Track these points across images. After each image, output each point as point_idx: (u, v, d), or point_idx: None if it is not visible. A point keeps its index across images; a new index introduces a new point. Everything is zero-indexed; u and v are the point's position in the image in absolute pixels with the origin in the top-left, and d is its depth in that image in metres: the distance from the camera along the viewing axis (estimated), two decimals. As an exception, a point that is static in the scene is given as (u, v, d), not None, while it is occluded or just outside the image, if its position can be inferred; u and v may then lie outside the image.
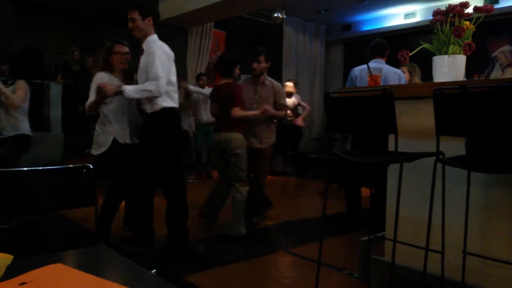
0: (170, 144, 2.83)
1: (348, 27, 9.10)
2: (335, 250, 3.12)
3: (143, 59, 2.88)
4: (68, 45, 6.85)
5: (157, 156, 2.83)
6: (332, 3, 7.77)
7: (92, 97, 2.87)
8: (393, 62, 3.49)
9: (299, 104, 6.64)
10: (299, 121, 6.52)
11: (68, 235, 3.54)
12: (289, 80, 6.82)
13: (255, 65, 3.50)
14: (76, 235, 3.44)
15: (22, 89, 3.71)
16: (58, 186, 1.39)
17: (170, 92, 2.81)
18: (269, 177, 7.20)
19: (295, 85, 6.65)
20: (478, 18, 2.07)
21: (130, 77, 3.12)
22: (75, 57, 6.60)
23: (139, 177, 2.99)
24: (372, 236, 2.39)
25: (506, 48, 6.83)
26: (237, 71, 3.50)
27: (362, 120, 1.98)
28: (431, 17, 2.15)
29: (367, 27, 8.66)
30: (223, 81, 3.47)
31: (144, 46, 2.92)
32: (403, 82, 3.56)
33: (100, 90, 2.71)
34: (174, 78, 2.87)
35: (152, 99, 2.77)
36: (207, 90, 5.68)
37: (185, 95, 5.77)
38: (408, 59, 2.27)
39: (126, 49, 3.10)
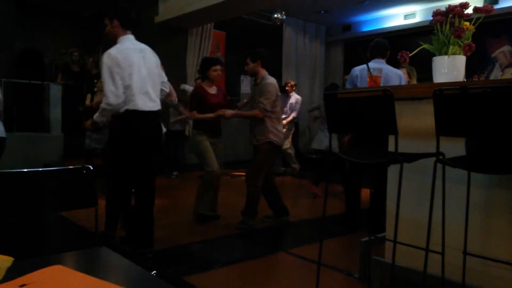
0: (124, 145, 2.85)
1: (348, 27, 9.11)
2: (335, 251, 3.12)
3: None
4: (68, 46, 6.85)
5: (118, 156, 2.97)
6: (332, 4, 7.78)
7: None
8: (393, 62, 3.50)
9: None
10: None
11: (68, 236, 3.54)
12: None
13: (245, 67, 3.76)
14: (76, 237, 3.44)
15: None
16: (58, 187, 1.39)
17: (130, 96, 2.74)
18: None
19: (291, 86, 6.73)
20: (478, 18, 2.07)
21: None
22: (75, 58, 6.61)
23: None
24: (372, 237, 2.39)
25: (505, 48, 6.83)
26: (213, 73, 3.79)
27: (362, 120, 1.98)
28: (431, 18, 2.15)
29: (367, 28, 8.67)
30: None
31: None
32: (403, 82, 3.56)
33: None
34: (136, 76, 2.75)
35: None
36: None
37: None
38: (408, 60, 2.27)
39: None
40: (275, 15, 7.50)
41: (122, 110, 2.76)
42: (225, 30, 8.20)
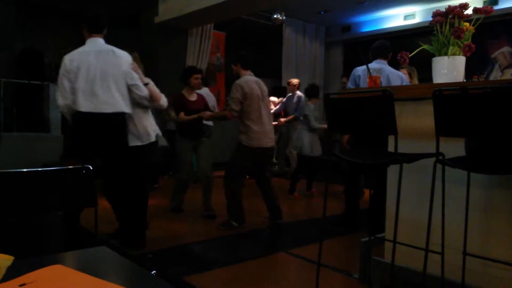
0: (74, 145, 2.97)
1: (347, 28, 9.11)
2: (335, 251, 3.12)
3: None
4: (68, 46, 6.85)
5: None
6: (331, 5, 7.78)
7: None
8: (393, 63, 3.49)
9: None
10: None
11: (67, 236, 3.53)
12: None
13: None
14: (76, 236, 3.43)
15: None
16: (57, 187, 1.39)
17: (75, 98, 2.81)
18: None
19: (293, 85, 6.65)
20: (477, 19, 2.08)
21: None
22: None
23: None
24: (372, 237, 2.39)
25: (505, 49, 6.84)
26: (194, 81, 4.13)
27: (362, 121, 1.98)
28: (431, 19, 2.15)
29: (367, 28, 8.68)
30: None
31: None
32: (405, 84, 3.55)
33: None
34: (82, 78, 2.79)
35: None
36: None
37: None
38: (407, 60, 2.27)
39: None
40: (275, 16, 7.51)
41: (77, 110, 2.83)
42: (225, 30, 8.20)
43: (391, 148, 2.29)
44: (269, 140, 3.69)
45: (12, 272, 0.74)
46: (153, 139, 3.18)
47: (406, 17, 7.99)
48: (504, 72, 6.77)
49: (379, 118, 1.87)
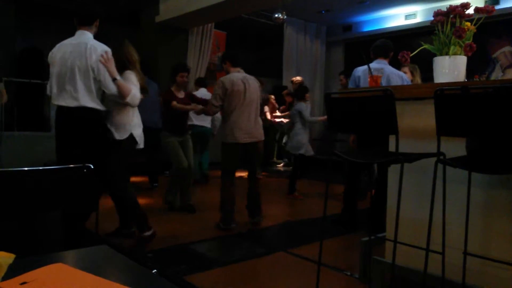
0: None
1: (348, 27, 9.11)
2: (336, 251, 3.12)
3: None
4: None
5: None
6: (333, 4, 7.78)
7: None
8: (394, 62, 3.49)
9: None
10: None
11: (68, 235, 3.54)
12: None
13: None
14: (77, 235, 3.44)
15: None
16: (58, 186, 1.39)
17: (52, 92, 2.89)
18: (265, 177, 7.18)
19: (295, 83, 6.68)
20: (479, 19, 2.07)
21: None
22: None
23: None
24: (372, 237, 2.39)
25: (506, 49, 6.83)
26: (180, 78, 4.24)
27: (363, 120, 1.98)
28: (432, 18, 2.15)
29: (368, 28, 8.67)
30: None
31: None
32: (406, 84, 3.54)
33: None
34: (55, 72, 2.84)
35: None
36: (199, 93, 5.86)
37: None
38: (409, 60, 2.27)
39: None
40: (276, 15, 7.49)
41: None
42: (225, 29, 8.20)
43: (392, 148, 2.29)
44: (246, 135, 3.63)
45: (13, 271, 0.74)
46: (125, 136, 3.02)
47: (407, 16, 7.98)
48: (505, 71, 6.76)
49: (380, 118, 1.87)
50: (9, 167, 1.31)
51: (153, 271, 0.87)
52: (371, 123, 1.96)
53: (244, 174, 4.67)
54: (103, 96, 2.94)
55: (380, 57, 3.60)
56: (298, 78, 6.76)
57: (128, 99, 2.88)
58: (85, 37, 2.86)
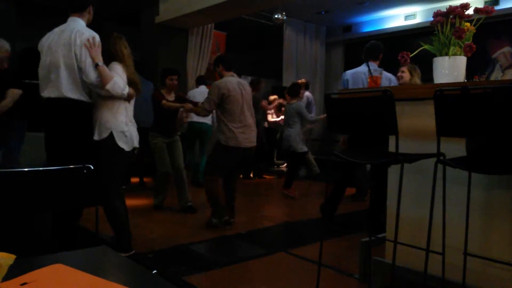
0: None
1: (348, 28, 9.11)
2: (336, 251, 3.12)
3: None
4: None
5: None
6: (332, 5, 7.78)
7: None
8: (393, 63, 3.50)
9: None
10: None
11: (68, 235, 3.54)
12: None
13: None
14: (77, 236, 3.44)
15: None
16: (58, 186, 1.39)
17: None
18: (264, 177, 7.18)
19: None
20: (478, 19, 2.08)
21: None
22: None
23: None
24: (372, 237, 2.39)
25: (506, 49, 6.83)
26: (169, 81, 4.31)
27: (363, 121, 1.98)
28: (432, 19, 2.15)
29: (368, 29, 8.67)
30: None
31: None
32: (393, 85, 3.58)
33: None
34: (42, 61, 2.75)
35: None
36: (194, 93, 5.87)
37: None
38: (408, 60, 2.27)
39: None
40: (276, 16, 7.50)
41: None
42: (225, 30, 8.20)
43: (392, 148, 2.29)
44: (248, 140, 3.65)
45: (13, 271, 0.74)
46: (104, 135, 2.71)
47: (407, 17, 7.98)
48: (505, 72, 6.77)
49: (380, 118, 1.87)
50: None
51: (153, 271, 0.87)
52: (371, 123, 1.96)
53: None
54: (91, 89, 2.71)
55: (370, 60, 3.65)
56: (303, 80, 6.86)
57: (108, 86, 2.57)
58: (75, 24, 2.67)
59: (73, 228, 2.84)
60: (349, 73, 3.76)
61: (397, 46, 3.53)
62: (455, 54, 2.07)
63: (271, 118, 7.53)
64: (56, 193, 1.40)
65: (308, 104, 6.45)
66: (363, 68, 3.71)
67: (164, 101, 4.17)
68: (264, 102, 7.16)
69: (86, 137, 2.71)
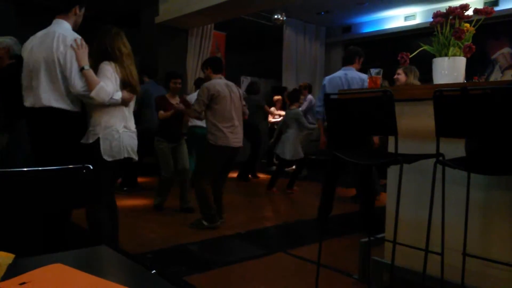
0: None
1: (348, 29, 9.12)
2: (335, 251, 3.12)
3: None
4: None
5: None
6: (332, 5, 7.78)
7: None
8: (393, 63, 3.51)
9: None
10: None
11: (68, 236, 3.54)
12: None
13: None
14: (75, 236, 3.44)
15: None
16: (58, 187, 1.39)
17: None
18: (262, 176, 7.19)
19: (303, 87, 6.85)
20: (478, 20, 2.08)
21: None
22: (75, 58, 6.59)
23: None
24: (371, 238, 2.39)
25: (506, 50, 6.84)
26: (172, 85, 4.36)
27: (362, 121, 1.99)
28: (431, 19, 2.15)
29: (367, 29, 8.68)
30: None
31: None
32: (366, 85, 3.67)
33: None
34: (24, 67, 2.53)
35: None
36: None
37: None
38: (408, 61, 2.27)
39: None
40: (275, 16, 7.51)
41: None
42: (225, 30, 8.20)
43: (391, 149, 2.29)
44: (237, 140, 3.70)
45: (12, 271, 0.74)
46: (91, 140, 2.48)
47: (406, 18, 7.99)
48: (504, 73, 6.78)
49: (379, 119, 1.87)
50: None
51: (152, 271, 0.87)
52: (370, 124, 1.96)
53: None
54: None
55: (347, 65, 3.91)
56: (306, 83, 6.99)
57: (93, 93, 2.35)
58: (58, 26, 2.48)
59: (63, 228, 2.72)
60: (327, 78, 3.98)
61: (397, 46, 3.55)
62: (454, 55, 2.08)
63: (272, 119, 7.55)
64: (56, 193, 1.39)
65: (312, 107, 6.48)
66: (339, 72, 3.91)
67: (160, 112, 4.27)
68: (271, 109, 7.22)
69: (71, 148, 2.50)
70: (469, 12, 2.07)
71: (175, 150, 4.37)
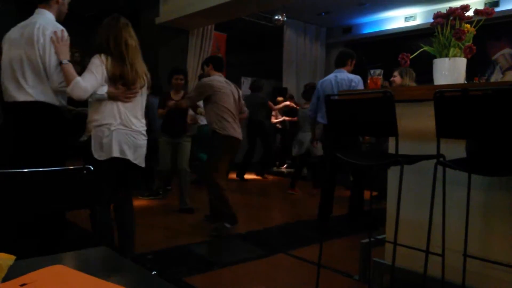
0: None
1: (348, 29, 9.11)
2: (335, 252, 3.12)
3: None
4: (69, 46, 6.86)
5: None
6: (332, 6, 7.78)
7: None
8: (394, 64, 3.51)
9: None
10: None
11: (68, 236, 3.54)
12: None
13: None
14: (76, 237, 3.44)
15: None
16: (58, 188, 1.39)
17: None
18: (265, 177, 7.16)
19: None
20: (478, 21, 2.08)
21: None
22: (76, 59, 6.61)
23: None
24: (372, 239, 2.39)
25: (506, 51, 6.83)
26: (174, 81, 4.40)
27: (363, 122, 1.98)
28: (432, 20, 2.15)
29: (368, 30, 8.67)
30: None
31: None
32: (358, 86, 3.79)
33: None
34: (4, 59, 2.42)
35: None
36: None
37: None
38: (408, 62, 2.27)
39: None
40: (276, 17, 7.51)
41: None
42: (225, 31, 8.21)
43: (392, 150, 2.29)
44: (240, 132, 3.66)
45: (13, 272, 0.74)
46: (85, 137, 2.40)
47: (407, 18, 7.99)
48: (505, 74, 6.77)
49: (380, 120, 1.87)
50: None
51: (153, 272, 0.87)
52: (371, 125, 1.96)
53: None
54: None
55: (338, 67, 3.96)
56: (313, 83, 7.04)
57: (68, 89, 2.24)
58: (39, 17, 2.38)
59: (62, 228, 2.64)
60: (320, 81, 4.06)
61: (397, 47, 3.55)
62: (455, 56, 2.07)
63: (274, 119, 7.56)
64: (56, 193, 1.39)
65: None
66: (331, 75, 3.95)
67: (159, 110, 4.34)
68: (274, 106, 7.26)
69: (60, 145, 2.40)
70: (470, 13, 2.07)
71: (176, 148, 4.41)
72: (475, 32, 2.08)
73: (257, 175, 7.13)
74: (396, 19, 8.16)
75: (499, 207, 1.95)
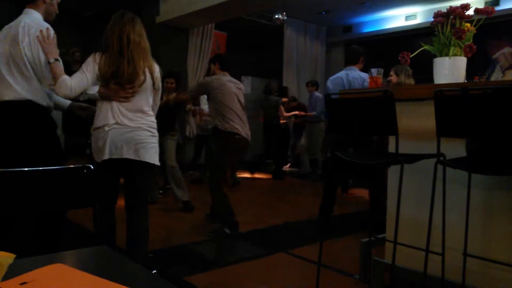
0: None
1: (349, 28, 9.11)
2: (336, 251, 3.12)
3: None
4: (69, 46, 6.85)
5: None
6: (333, 5, 7.78)
7: None
8: (394, 63, 3.52)
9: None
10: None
11: (68, 235, 3.54)
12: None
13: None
14: (76, 236, 3.44)
15: None
16: (58, 187, 1.39)
17: None
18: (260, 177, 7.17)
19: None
20: (479, 20, 2.08)
21: None
22: (76, 58, 6.60)
23: None
24: (372, 238, 2.39)
25: (506, 50, 6.83)
26: (165, 85, 4.41)
27: (363, 121, 1.98)
28: (432, 19, 2.15)
29: (368, 29, 8.67)
30: None
31: None
32: (366, 84, 3.70)
33: None
34: None
35: None
36: None
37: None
38: (408, 61, 2.27)
39: None
40: (276, 16, 7.50)
41: None
42: (226, 30, 8.20)
43: (392, 149, 2.29)
44: (248, 132, 3.59)
45: (13, 271, 0.74)
46: (90, 139, 2.39)
47: (407, 17, 7.98)
48: (505, 73, 6.76)
49: (380, 119, 1.87)
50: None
51: (153, 271, 0.87)
52: (371, 124, 1.96)
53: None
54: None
55: (349, 64, 3.90)
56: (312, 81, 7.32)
57: (56, 87, 2.21)
58: (25, 16, 2.34)
59: (62, 227, 2.53)
60: (330, 79, 3.96)
61: (398, 46, 3.54)
62: (455, 55, 2.07)
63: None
64: (56, 192, 1.39)
65: (315, 102, 6.91)
66: (341, 73, 3.88)
67: (171, 96, 4.35)
68: (285, 113, 7.30)
69: (44, 144, 2.33)
70: (470, 12, 2.06)
71: (161, 145, 4.39)
72: (475, 31, 2.08)
73: (251, 173, 7.23)
74: (397, 18, 8.16)
75: (499, 206, 1.95)
